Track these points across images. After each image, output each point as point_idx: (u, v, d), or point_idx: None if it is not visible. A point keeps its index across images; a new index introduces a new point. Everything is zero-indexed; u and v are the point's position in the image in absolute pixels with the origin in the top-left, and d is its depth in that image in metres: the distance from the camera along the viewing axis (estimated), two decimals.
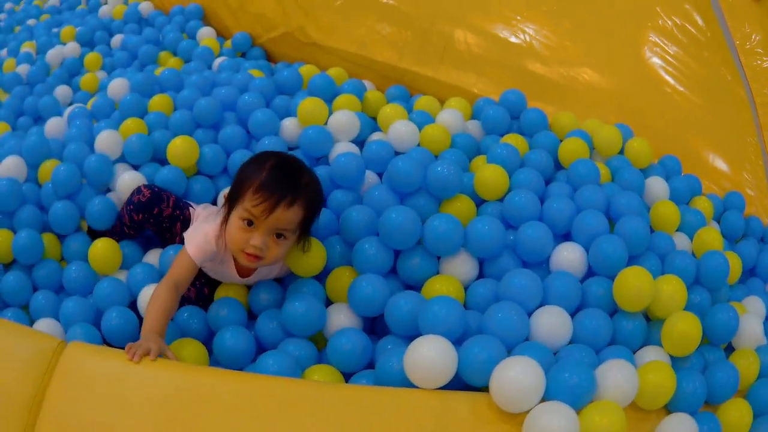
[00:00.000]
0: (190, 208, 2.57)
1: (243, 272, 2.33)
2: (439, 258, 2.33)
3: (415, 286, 2.32)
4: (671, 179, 2.81)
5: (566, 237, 2.43)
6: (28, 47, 4.42)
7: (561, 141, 2.79)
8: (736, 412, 2.13)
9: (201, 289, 2.42)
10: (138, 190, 2.51)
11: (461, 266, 2.31)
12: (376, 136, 2.86)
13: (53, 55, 4.23)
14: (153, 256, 2.55)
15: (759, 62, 3.41)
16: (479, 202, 2.55)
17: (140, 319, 2.23)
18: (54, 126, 3.06)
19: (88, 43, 4.38)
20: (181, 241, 2.34)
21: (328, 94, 3.05)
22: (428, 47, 3.42)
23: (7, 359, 1.82)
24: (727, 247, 2.73)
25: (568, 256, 2.31)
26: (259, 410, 1.76)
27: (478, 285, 2.27)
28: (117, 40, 4.34)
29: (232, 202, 2.16)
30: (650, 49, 3.29)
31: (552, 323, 2.05)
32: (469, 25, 3.41)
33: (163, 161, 2.80)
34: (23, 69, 4.14)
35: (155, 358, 1.81)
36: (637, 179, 2.67)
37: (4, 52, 4.67)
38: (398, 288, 2.34)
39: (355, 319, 2.28)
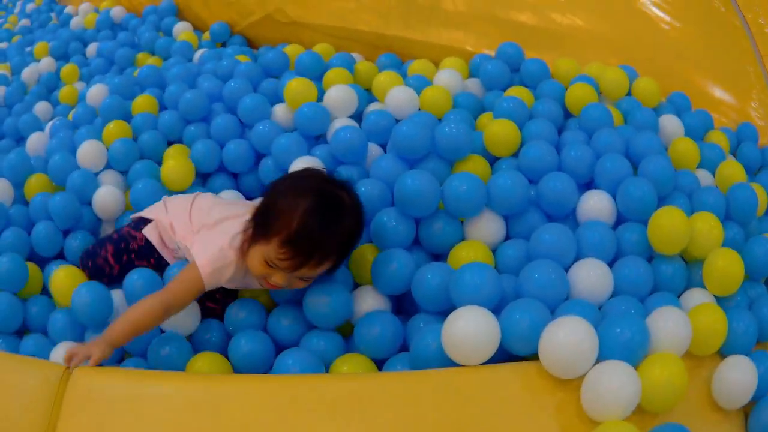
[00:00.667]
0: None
1: None
2: (462, 222, 2.24)
3: (441, 256, 2.24)
4: (682, 116, 2.74)
5: (587, 186, 2.36)
6: (2, 69, 4.37)
7: (566, 88, 2.71)
8: None
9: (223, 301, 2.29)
10: (130, 236, 2.38)
11: (487, 227, 2.22)
12: (373, 107, 2.78)
13: (29, 72, 4.13)
14: None
15: None
16: (491, 161, 2.47)
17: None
18: (35, 141, 3.02)
19: (62, 56, 4.33)
20: None
21: (317, 72, 2.96)
22: (414, 10, 3.36)
23: (12, 393, 1.78)
24: (749, 180, 2.66)
25: (596, 205, 2.23)
26: (286, 414, 1.68)
27: (507, 246, 2.18)
28: (92, 48, 4.28)
29: (258, 231, 2.00)
30: None
31: (592, 277, 1.98)
32: None
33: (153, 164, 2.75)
34: None
35: (94, 365, 1.81)
36: (651, 119, 2.60)
37: None
38: (423, 260, 2.24)
39: (382, 300, 2.18)
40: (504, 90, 2.80)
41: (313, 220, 1.91)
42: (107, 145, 2.78)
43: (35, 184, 2.69)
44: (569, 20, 3.16)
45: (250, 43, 3.98)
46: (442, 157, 2.37)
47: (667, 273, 2.09)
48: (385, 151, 2.53)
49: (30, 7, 5.60)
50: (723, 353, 1.93)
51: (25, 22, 5.36)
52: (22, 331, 2.32)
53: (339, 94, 2.69)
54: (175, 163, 2.64)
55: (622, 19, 3.18)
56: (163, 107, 3.01)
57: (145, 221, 2.37)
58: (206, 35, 4.05)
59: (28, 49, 4.58)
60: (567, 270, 2.01)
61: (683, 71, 3.08)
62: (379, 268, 2.14)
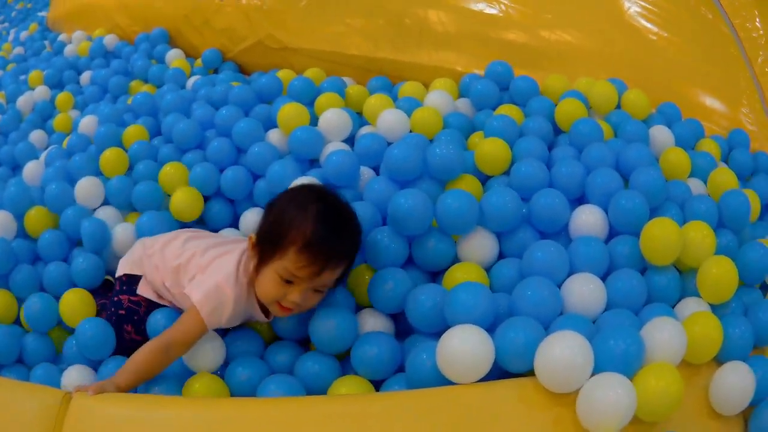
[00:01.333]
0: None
1: (269, 313, 2.16)
2: (455, 240, 2.25)
3: (435, 273, 2.26)
4: (673, 126, 2.75)
5: (579, 200, 2.37)
6: None
7: (556, 105, 2.73)
8: None
9: None
10: (134, 304, 2.32)
11: (481, 244, 2.23)
12: (365, 130, 2.79)
13: (24, 101, 4.20)
14: None
15: None
16: (483, 180, 2.48)
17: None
18: (32, 170, 3.03)
19: (57, 85, 4.36)
20: None
21: (310, 97, 2.98)
22: (403, 33, 3.39)
23: (12, 417, 1.77)
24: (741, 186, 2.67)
25: (588, 220, 2.24)
26: None
27: (501, 265, 2.20)
28: (86, 76, 4.31)
29: (268, 250, 1.98)
30: None
31: (585, 291, 1.99)
32: (443, 3, 3.37)
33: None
34: None
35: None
36: (641, 130, 2.61)
37: None
38: (418, 278, 2.25)
39: (384, 322, 2.19)
40: (494, 108, 2.81)
41: (326, 222, 1.93)
42: (104, 171, 2.82)
43: (35, 216, 2.69)
44: (557, 36, 3.18)
45: (242, 69, 4.00)
46: (434, 178, 2.38)
47: (661, 284, 2.10)
48: (378, 174, 2.54)
49: (24, 35, 5.68)
50: (720, 360, 1.93)
51: (19, 50, 5.41)
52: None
53: (333, 118, 2.71)
54: (184, 196, 2.65)
55: (610, 32, 3.20)
56: (154, 135, 3.04)
57: (133, 278, 2.35)
58: (198, 62, 4.09)
59: (22, 77, 4.63)
60: (560, 285, 2.03)
61: (673, 81, 3.11)
62: (376, 288, 2.14)
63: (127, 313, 2.31)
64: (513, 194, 2.24)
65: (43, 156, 3.15)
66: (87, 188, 2.72)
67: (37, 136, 3.75)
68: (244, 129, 2.78)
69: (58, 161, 2.97)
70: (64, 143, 3.23)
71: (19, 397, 1.82)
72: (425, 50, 3.32)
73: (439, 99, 2.82)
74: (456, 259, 2.25)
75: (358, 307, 2.24)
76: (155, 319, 2.21)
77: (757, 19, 3.29)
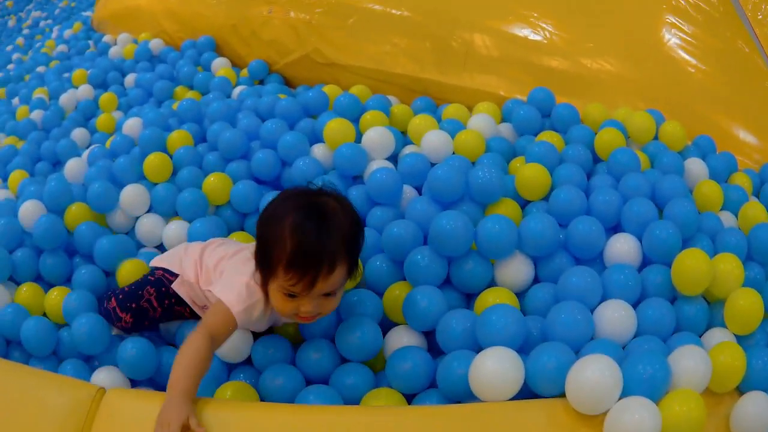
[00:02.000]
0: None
1: None
2: (492, 263, 2.30)
3: (470, 294, 2.31)
4: (707, 158, 2.80)
5: (614, 229, 2.41)
6: (40, 93, 4.42)
7: (595, 133, 2.78)
8: None
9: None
10: (167, 279, 2.35)
11: (517, 268, 2.28)
12: (408, 149, 2.84)
13: (66, 99, 4.22)
14: None
15: None
16: (522, 204, 2.53)
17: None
18: (73, 168, 3.05)
19: (101, 85, 4.40)
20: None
21: (355, 113, 3.02)
22: (449, 55, 3.43)
23: (42, 411, 1.79)
24: None
25: (622, 248, 2.29)
26: None
27: (536, 289, 2.25)
28: (130, 78, 4.36)
29: (264, 271, 1.95)
30: (668, 30, 3.29)
31: (616, 318, 2.03)
32: (488, 28, 3.42)
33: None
34: (37, 115, 4.10)
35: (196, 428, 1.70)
36: (676, 162, 2.66)
37: (16, 100, 4.68)
38: (454, 298, 2.29)
39: (417, 338, 2.22)
40: (535, 134, 2.86)
41: (304, 233, 1.86)
42: (148, 175, 2.87)
43: (75, 212, 2.71)
44: (599, 65, 3.22)
45: (287, 82, 4.03)
46: (474, 200, 2.43)
47: (690, 313, 2.14)
48: (420, 193, 2.59)
49: (68, 33, 5.70)
50: (742, 390, 1.95)
51: (62, 47, 5.44)
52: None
53: (378, 136, 2.75)
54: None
55: (649, 63, 3.24)
56: (198, 141, 3.07)
57: (170, 272, 2.35)
58: (244, 72, 4.11)
59: (66, 75, 4.67)
60: (593, 310, 2.07)
61: (709, 113, 3.14)
62: (409, 305, 2.17)
63: (156, 280, 2.35)
64: (551, 221, 2.29)
65: (85, 154, 3.17)
66: (133, 195, 2.75)
67: (79, 134, 3.76)
68: (290, 142, 2.81)
69: (101, 161, 2.98)
70: (108, 143, 3.26)
71: (51, 389, 1.84)
72: (469, 73, 3.36)
73: (482, 122, 2.87)
74: (493, 282, 2.30)
75: (393, 324, 2.29)
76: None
77: None
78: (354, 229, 1.98)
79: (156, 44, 4.60)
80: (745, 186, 2.77)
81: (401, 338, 2.21)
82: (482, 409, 1.80)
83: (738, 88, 3.21)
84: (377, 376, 2.16)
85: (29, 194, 2.81)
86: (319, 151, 2.83)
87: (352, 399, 2.04)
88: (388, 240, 2.34)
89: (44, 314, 2.45)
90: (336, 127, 2.82)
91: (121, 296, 2.34)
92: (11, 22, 7.57)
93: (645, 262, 2.30)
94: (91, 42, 5.30)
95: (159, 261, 2.42)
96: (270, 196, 2.62)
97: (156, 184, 2.85)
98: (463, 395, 1.91)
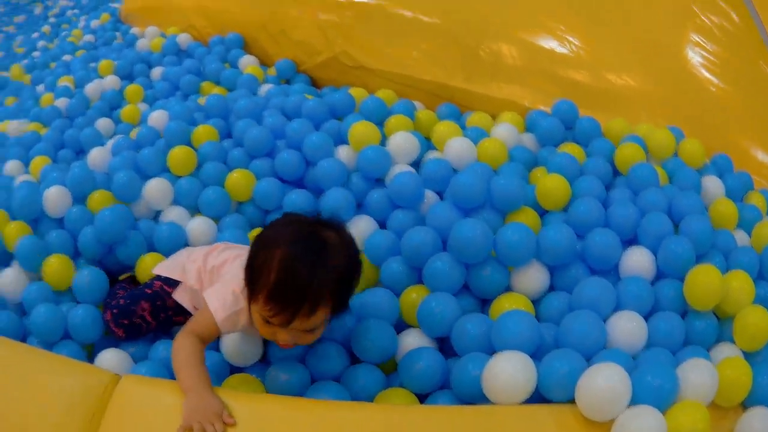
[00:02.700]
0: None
1: None
2: (510, 270, 2.32)
3: (487, 299, 2.33)
4: (724, 177, 2.84)
5: (630, 241, 2.45)
6: (65, 81, 4.43)
7: (616, 147, 2.81)
8: None
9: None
10: (165, 292, 2.35)
11: (534, 277, 2.30)
12: (432, 155, 2.87)
13: (92, 88, 4.21)
14: None
15: None
16: (542, 213, 2.57)
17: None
18: (97, 156, 3.03)
19: (127, 76, 4.41)
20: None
21: (380, 117, 3.03)
22: (477, 64, 3.45)
23: (56, 396, 1.77)
24: None
25: (638, 260, 2.33)
26: None
27: (551, 297, 2.29)
28: (157, 71, 4.38)
29: (249, 290, 1.90)
30: (691, 49, 3.33)
31: (628, 329, 2.07)
32: (516, 39, 3.44)
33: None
34: (62, 103, 4.12)
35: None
36: (694, 179, 2.70)
37: (41, 87, 4.68)
38: (470, 303, 2.32)
39: (429, 340, 2.24)
40: (557, 146, 2.91)
41: (291, 269, 1.80)
42: (172, 168, 2.89)
43: (98, 200, 2.71)
44: (623, 81, 3.26)
45: (314, 83, 4.04)
46: (495, 208, 2.46)
47: (700, 327, 2.18)
48: (441, 198, 2.61)
49: (95, 23, 5.67)
50: (747, 405, 1.99)
51: (89, 37, 5.42)
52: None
53: (402, 141, 2.77)
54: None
55: (672, 80, 3.28)
56: (223, 137, 3.08)
57: (171, 280, 2.35)
58: (271, 70, 4.11)
59: (92, 64, 4.66)
60: (606, 320, 2.11)
61: (727, 132, 3.18)
62: (424, 312, 2.20)
63: (153, 294, 2.34)
64: (569, 231, 2.33)
65: (109, 144, 3.16)
66: (157, 188, 2.77)
67: (103, 123, 3.76)
68: (315, 143, 2.81)
69: (125, 151, 2.98)
70: (132, 134, 3.27)
71: (64, 374, 1.84)
72: (495, 82, 3.38)
73: (505, 132, 2.91)
74: (509, 288, 2.33)
75: (406, 325, 2.32)
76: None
77: None
78: (348, 272, 1.92)
79: (184, 39, 4.59)
80: (760, 205, 2.81)
81: (413, 341, 2.22)
82: (494, 411, 1.85)
83: (758, 109, 3.25)
84: (387, 378, 2.18)
85: (52, 180, 2.79)
86: (343, 152, 2.84)
87: (363, 400, 2.06)
88: (407, 247, 2.37)
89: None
90: (361, 129, 2.84)
91: (115, 311, 2.32)
92: (38, 10, 7.58)
93: (659, 276, 2.35)
94: (118, 33, 5.29)
95: (161, 269, 2.41)
96: (294, 194, 2.71)
97: (179, 177, 2.89)
98: (476, 397, 1.95)
